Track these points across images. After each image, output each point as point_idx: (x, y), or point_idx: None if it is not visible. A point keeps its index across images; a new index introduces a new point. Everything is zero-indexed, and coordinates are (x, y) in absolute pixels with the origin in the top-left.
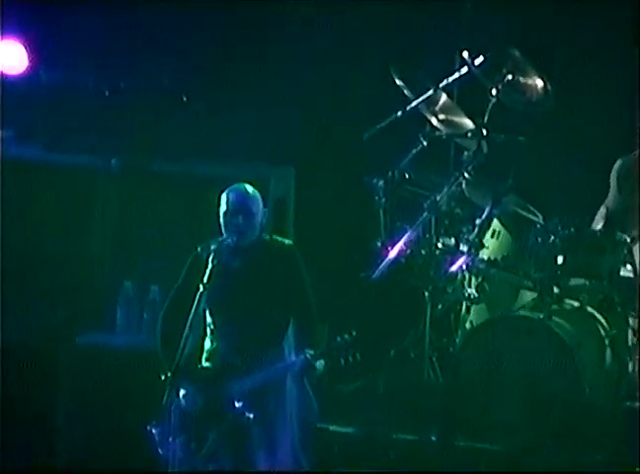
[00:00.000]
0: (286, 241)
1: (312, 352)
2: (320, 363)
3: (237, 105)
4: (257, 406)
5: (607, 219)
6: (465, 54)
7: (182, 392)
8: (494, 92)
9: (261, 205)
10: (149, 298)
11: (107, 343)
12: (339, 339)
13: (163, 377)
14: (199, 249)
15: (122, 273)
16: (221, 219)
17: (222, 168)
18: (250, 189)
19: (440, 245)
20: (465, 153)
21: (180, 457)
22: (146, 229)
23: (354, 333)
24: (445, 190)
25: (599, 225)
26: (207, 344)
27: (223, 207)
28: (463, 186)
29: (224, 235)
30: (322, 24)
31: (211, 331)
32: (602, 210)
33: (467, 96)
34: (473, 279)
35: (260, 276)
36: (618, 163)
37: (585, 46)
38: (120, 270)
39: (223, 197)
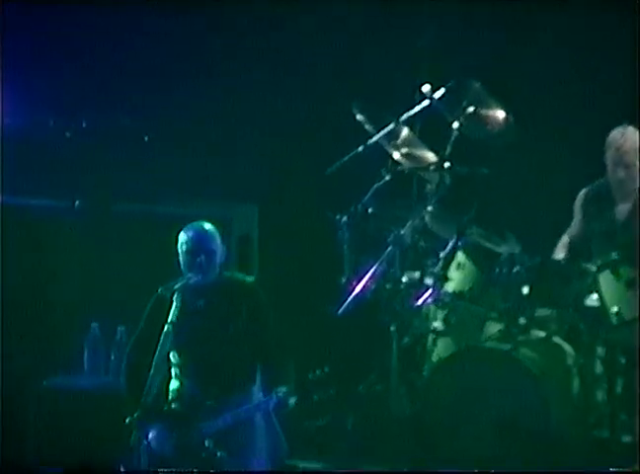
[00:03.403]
0: (248, 278)
1: (285, 389)
2: (292, 400)
3: (198, 144)
4: (227, 444)
5: (571, 248)
6: (426, 88)
7: (150, 433)
8: (455, 124)
9: (219, 242)
10: (116, 339)
11: (74, 385)
12: (311, 375)
13: (128, 420)
14: (160, 290)
15: (89, 314)
16: (182, 258)
17: (185, 207)
18: (208, 226)
19: (404, 279)
20: (428, 186)
21: None
22: (111, 270)
23: (326, 369)
24: (409, 223)
25: (560, 254)
26: (174, 384)
27: (183, 247)
28: (427, 219)
29: (186, 274)
30: (282, 59)
31: (179, 371)
32: (564, 239)
33: (430, 129)
34: (439, 312)
35: (223, 315)
36: (583, 192)
37: (544, 77)
38: (87, 311)
39: (181, 235)
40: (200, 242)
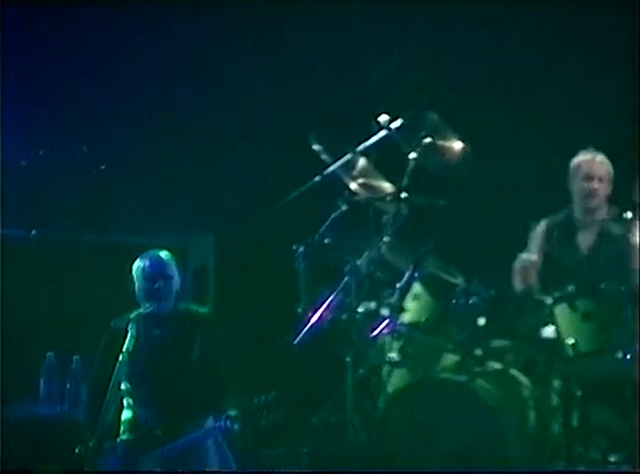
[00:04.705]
0: (201, 309)
1: (231, 413)
2: (238, 426)
3: (155, 173)
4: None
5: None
6: (383, 118)
7: (103, 464)
8: (412, 155)
9: (176, 270)
10: (72, 368)
11: (30, 413)
12: (256, 400)
13: (77, 450)
14: (112, 324)
15: (45, 343)
16: (138, 285)
17: (141, 237)
18: (164, 254)
19: (361, 309)
20: (385, 217)
21: None
22: (68, 300)
23: (272, 393)
24: (366, 254)
25: (518, 286)
26: (126, 414)
27: (139, 273)
28: (383, 249)
29: (143, 302)
30: (237, 90)
31: (132, 401)
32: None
33: (387, 159)
34: (395, 343)
35: (177, 346)
36: (542, 224)
37: (501, 109)
38: (43, 341)
39: (137, 263)
40: (157, 268)
